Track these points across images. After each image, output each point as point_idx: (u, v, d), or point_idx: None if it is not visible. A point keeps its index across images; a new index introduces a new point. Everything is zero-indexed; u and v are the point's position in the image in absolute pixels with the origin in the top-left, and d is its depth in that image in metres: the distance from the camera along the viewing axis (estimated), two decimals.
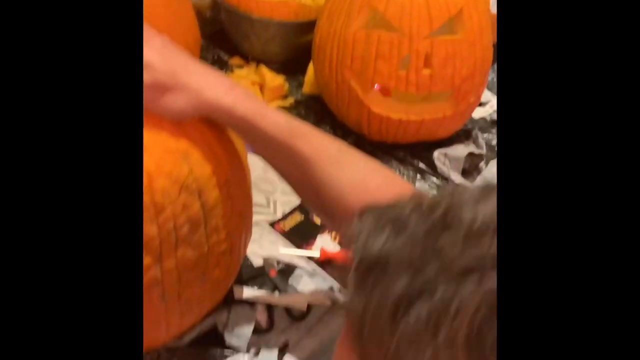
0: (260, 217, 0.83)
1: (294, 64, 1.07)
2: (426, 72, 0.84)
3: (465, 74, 0.86)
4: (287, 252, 0.78)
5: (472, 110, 0.96)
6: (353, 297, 0.31)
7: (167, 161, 0.49)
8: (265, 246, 0.79)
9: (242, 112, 0.52)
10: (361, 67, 0.86)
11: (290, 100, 1.04)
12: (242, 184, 0.59)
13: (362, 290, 0.30)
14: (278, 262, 0.77)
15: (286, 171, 0.57)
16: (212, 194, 0.53)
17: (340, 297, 0.74)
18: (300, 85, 1.07)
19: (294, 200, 0.86)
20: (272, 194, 0.87)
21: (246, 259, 0.76)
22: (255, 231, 0.81)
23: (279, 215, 0.84)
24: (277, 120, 0.53)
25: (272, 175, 0.89)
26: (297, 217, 0.84)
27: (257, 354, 0.66)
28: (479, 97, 0.94)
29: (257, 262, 0.76)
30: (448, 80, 0.86)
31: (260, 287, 0.72)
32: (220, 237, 0.56)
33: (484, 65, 0.89)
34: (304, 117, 1.01)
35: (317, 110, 1.02)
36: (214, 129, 0.55)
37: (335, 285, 0.75)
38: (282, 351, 0.67)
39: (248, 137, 0.55)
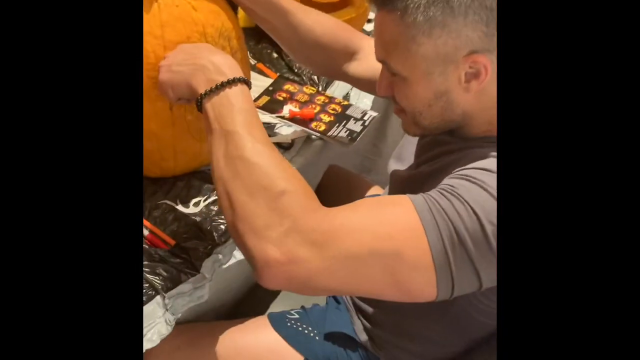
0: None
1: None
2: None
3: None
4: (265, 117, 1.11)
5: None
6: None
7: (211, 17, 0.80)
8: None
9: None
10: None
11: None
12: (243, 47, 0.91)
13: None
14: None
15: (272, 22, 0.90)
16: (234, 42, 0.85)
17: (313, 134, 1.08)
18: None
19: (259, 89, 1.19)
20: None
21: None
22: None
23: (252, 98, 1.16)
24: None
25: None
26: (265, 98, 1.17)
27: None
28: None
29: None
30: None
31: None
32: None
33: None
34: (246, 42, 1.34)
35: (255, 36, 1.35)
36: (227, 5, 0.87)
37: (306, 129, 1.09)
38: None
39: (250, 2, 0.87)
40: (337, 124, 1.12)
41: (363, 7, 1.29)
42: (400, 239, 0.55)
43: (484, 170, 0.60)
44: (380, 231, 0.55)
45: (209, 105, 0.66)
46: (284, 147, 1.04)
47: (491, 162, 0.61)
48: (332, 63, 0.93)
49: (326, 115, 1.14)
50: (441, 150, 0.74)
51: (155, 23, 0.76)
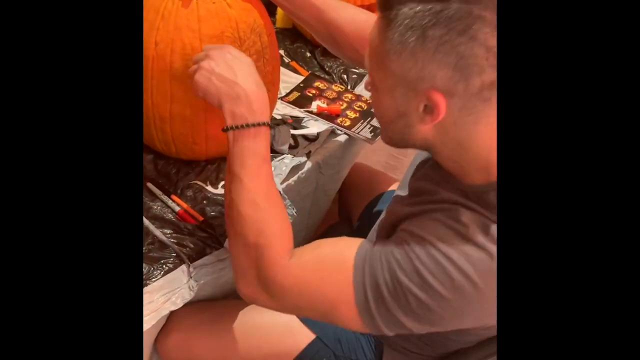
0: None
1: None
2: None
3: None
4: (294, 111, 1.18)
5: None
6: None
7: (244, 14, 0.88)
8: (280, 109, 1.18)
9: None
10: None
11: None
12: (274, 43, 0.98)
13: None
14: (291, 116, 1.17)
15: (307, 19, 0.96)
16: (264, 38, 0.93)
17: (337, 129, 1.14)
18: (274, 22, 1.47)
19: (291, 85, 1.26)
20: None
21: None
22: None
23: (284, 93, 1.24)
24: None
25: None
26: (296, 94, 1.24)
27: (294, 156, 1.06)
28: None
29: (277, 117, 1.16)
30: None
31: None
32: (268, 69, 0.95)
33: None
34: (282, 41, 1.42)
35: (291, 36, 1.43)
36: (260, 4, 0.94)
37: (332, 124, 1.15)
38: (307, 155, 1.07)
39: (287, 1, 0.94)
40: (362, 121, 1.19)
41: None
42: (334, 300, 0.70)
43: (432, 246, 0.67)
44: (320, 295, 0.71)
45: (230, 136, 0.77)
46: (309, 139, 1.11)
47: (444, 234, 0.67)
48: (360, 58, 0.99)
49: (352, 112, 1.21)
50: (426, 199, 0.76)
51: (193, 18, 0.84)
